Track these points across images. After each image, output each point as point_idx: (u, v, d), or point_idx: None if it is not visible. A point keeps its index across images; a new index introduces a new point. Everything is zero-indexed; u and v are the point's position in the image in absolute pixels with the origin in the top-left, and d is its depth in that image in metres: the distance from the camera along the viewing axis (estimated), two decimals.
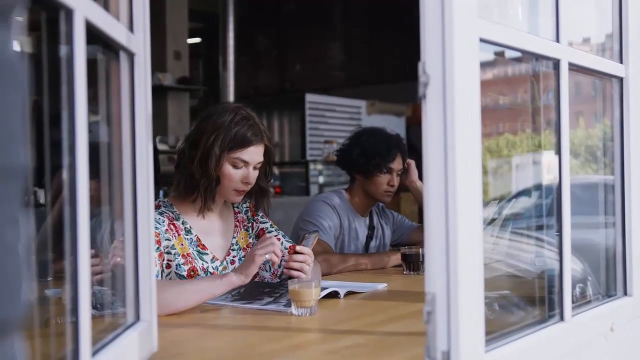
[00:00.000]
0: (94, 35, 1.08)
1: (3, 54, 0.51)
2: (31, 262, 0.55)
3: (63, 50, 0.99)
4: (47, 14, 1.00)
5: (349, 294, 2.12)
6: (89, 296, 1.00)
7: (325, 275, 2.60)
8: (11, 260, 0.51)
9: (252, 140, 2.12)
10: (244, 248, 2.30)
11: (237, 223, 2.32)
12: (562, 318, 1.46)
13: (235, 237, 2.29)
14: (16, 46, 0.53)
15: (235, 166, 2.13)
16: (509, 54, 1.53)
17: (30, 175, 0.57)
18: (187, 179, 2.14)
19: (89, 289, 1.00)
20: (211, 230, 2.23)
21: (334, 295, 2.05)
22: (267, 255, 1.94)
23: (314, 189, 7.12)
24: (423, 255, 2.56)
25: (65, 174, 0.99)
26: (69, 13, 0.97)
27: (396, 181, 2.92)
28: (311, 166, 7.27)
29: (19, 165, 0.53)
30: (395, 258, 2.74)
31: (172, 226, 2.11)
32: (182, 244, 2.12)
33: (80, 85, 0.98)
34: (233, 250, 2.27)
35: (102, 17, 1.11)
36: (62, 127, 0.98)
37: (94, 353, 1.06)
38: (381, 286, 2.28)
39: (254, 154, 2.14)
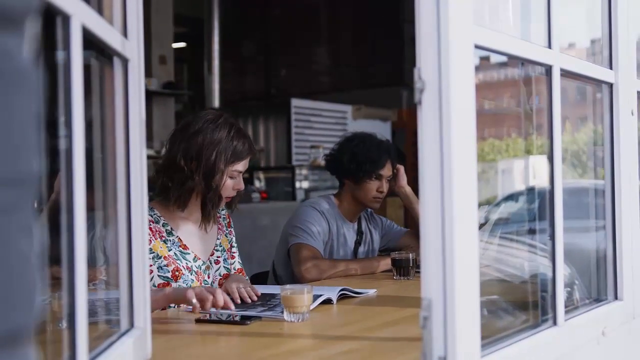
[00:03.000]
0: (88, 41, 1.08)
1: (17, 62, 0.51)
2: (43, 270, 0.55)
3: (59, 55, 0.98)
4: (42, 20, 0.99)
5: (342, 297, 2.12)
6: (85, 303, 0.99)
7: (315, 280, 2.60)
8: (25, 269, 0.51)
9: (248, 153, 2.25)
10: (227, 250, 2.38)
11: (220, 226, 2.40)
12: (555, 322, 1.47)
13: (219, 239, 2.36)
14: (28, 53, 0.53)
15: (231, 177, 2.23)
16: (494, 58, 1.54)
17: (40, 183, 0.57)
18: (187, 192, 2.19)
19: (86, 296, 0.99)
20: (194, 232, 2.29)
21: (327, 301, 2.05)
22: (194, 300, 1.83)
23: (300, 194, 7.11)
24: (413, 260, 2.58)
25: (61, 180, 0.98)
26: (66, 19, 0.96)
27: (385, 187, 2.93)
28: (297, 171, 7.26)
29: (32, 173, 0.52)
30: (385, 263, 2.75)
31: (149, 230, 2.13)
32: (161, 247, 2.17)
33: (77, 91, 0.98)
34: (217, 250, 2.35)
35: (98, 22, 1.10)
36: (59, 132, 0.98)
37: None
38: (371, 292, 2.28)
39: (247, 163, 2.28)
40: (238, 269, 2.40)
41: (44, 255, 1.09)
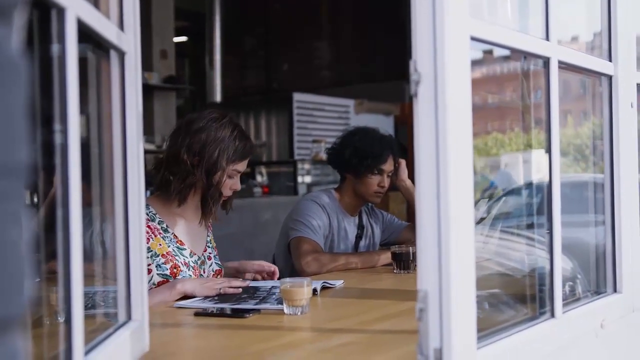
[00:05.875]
0: (84, 34, 1.08)
1: (5, 52, 0.51)
2: (32, 260, 0.55)
3: (54, 48, 0.98)
4: (38, 13, 0.99)
5: (324, 289, 2.15)
6: (81, 296, 0.99)
7: (316, 274, 2.60)
8: (14, 258, 0.51)
9: (249, 153, 2.28)
10: (215, 247, 2.42)
11: (209, 224, 2.43)
12: (552, 315, 1.47)
13: (209, 236, 2.40)
14: (17, 45, 0.53)
15: (230, 176, 2.25)
16: (497, 52, 1.54)
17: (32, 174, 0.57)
18: (188, 187, 2.21)
19: (82, 289, 1.00)
20: (187, 229, 2.31)
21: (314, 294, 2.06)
22: (221, 290, 2.09)
23: (302, 189, 7.11)
24: (413, 253, 2.58)
25: (57, 175, 0.98)
26: (61, 11, 0.96)
27: (387, 182, 2.92)
28: (299, 165, 7.25)
29: (22, 163, 0.53)
30: (385, 257, 2.75)
31: (147, 228, 2.14)
32: (160, 244, 2.19)
33: (72, 85, 0.98)
34: (209, 247, 2.38)
35: (94, 15, 1.10)
36: (54, 127, 0.98)
37: (87, 352, 1.05)
38: (339, 283, 2.30)
39: (246, 164, 2.31)
40: (216, 270, 2.40)
41: (39, 246, 1.09)
